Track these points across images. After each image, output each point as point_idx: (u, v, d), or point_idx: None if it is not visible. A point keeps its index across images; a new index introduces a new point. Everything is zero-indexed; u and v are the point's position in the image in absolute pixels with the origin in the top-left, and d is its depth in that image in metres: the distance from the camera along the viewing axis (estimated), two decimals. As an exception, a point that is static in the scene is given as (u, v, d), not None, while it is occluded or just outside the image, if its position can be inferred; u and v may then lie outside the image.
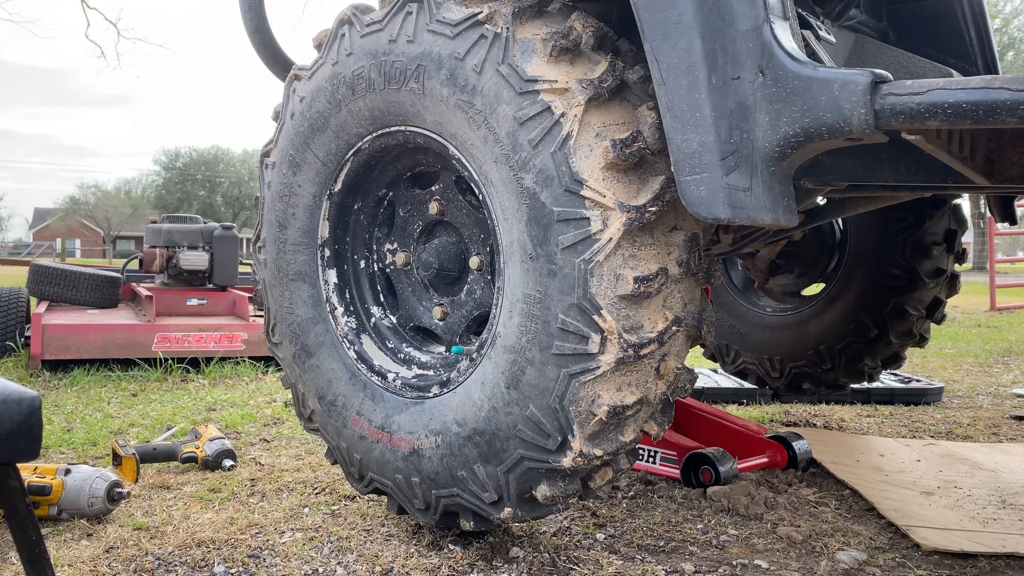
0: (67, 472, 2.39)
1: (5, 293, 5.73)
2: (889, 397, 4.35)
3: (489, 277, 2.20)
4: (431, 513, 2.11)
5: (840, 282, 3.50)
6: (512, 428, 1.88)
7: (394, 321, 2.41)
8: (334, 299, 2.35)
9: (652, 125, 1.77)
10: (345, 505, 2.56)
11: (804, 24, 2.07)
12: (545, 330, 1.80)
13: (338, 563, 2.11)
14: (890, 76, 1.58)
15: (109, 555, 2.15)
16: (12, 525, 1.29)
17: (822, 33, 2.21)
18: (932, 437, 3.60)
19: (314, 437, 3.20)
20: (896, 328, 3.39)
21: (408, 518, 2.37)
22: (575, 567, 2.08)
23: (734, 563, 2.13)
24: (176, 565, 2.10)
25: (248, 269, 8.23)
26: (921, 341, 3.47)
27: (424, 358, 2.30)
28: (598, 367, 1.75)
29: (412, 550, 2.17)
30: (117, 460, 2.82)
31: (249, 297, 6.17)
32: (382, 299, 2.42)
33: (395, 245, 2.40)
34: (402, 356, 2.32)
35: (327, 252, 2.36)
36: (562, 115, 1.76)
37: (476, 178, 1.97)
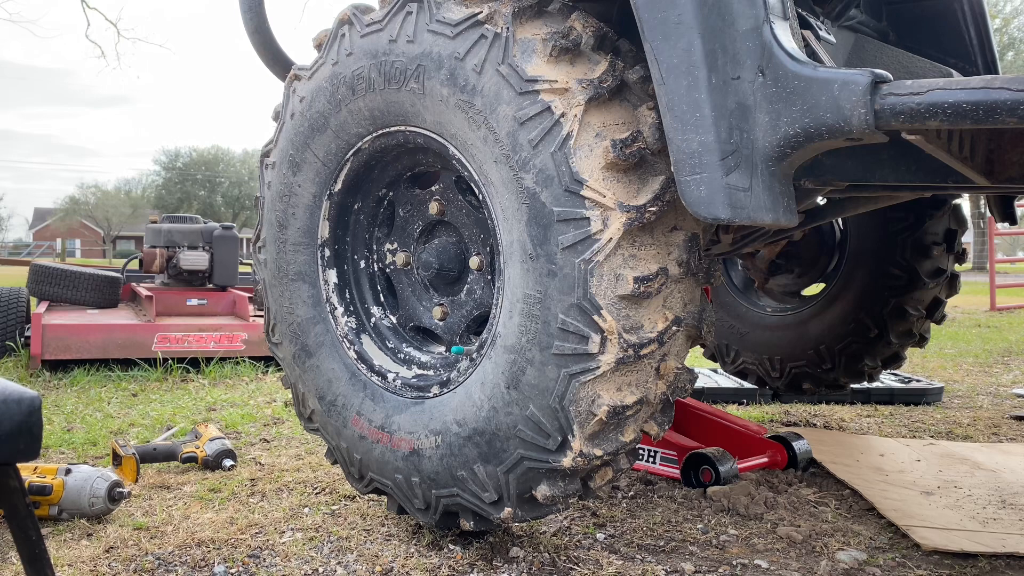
0: (68, 472, 2.39)
1: (5, 293, 5.73)
2: (889, 397, 4.35)
3: (489, 277, 2.20)
4: (431, 513, 2.11)
5: (840, 282, 3.50)
6: (512, 428, 1.88)
7: (394, 321, 2.41)
8: (334, 299, 2.35)
9: (652, 125, 1.77)
10: (345, 505, 2.56)
11: (804, 24, 2.07)
12: (545, 330, 1.80)
13: (338, 563, 2.11)
14: (890, 76, 1.58)
15: (109, 555, 2.15)
16: (12, 525, 1.29)
17: (822, 33, 2.21)
18: (932, 437, 3.60)
19: (314, 437, 3.20)
20: (896, 328, 3.39)
21: (408, 518, 2.37)
22: (575, 567, 2.08)
23: (734, 563, 2.13)
24: (176, 565, 2.10)
25: (248, 269, 8.23)
26: (921, 341, 3.48)
27: (424, 358, 2.30)
28: (598, 367, 1.75)
29: (412, 550, 2.17)
30: (117, 460, 2.83)
31: (249, 297, 6.17)
32: (382, 299, 2.42)
33: (395, 245, 2.40)
34: (402, 356, 2.32)
35: (327, 252, 2.36)
36: (562, 115, 1.76)
37: (476, 178, 1.96)
